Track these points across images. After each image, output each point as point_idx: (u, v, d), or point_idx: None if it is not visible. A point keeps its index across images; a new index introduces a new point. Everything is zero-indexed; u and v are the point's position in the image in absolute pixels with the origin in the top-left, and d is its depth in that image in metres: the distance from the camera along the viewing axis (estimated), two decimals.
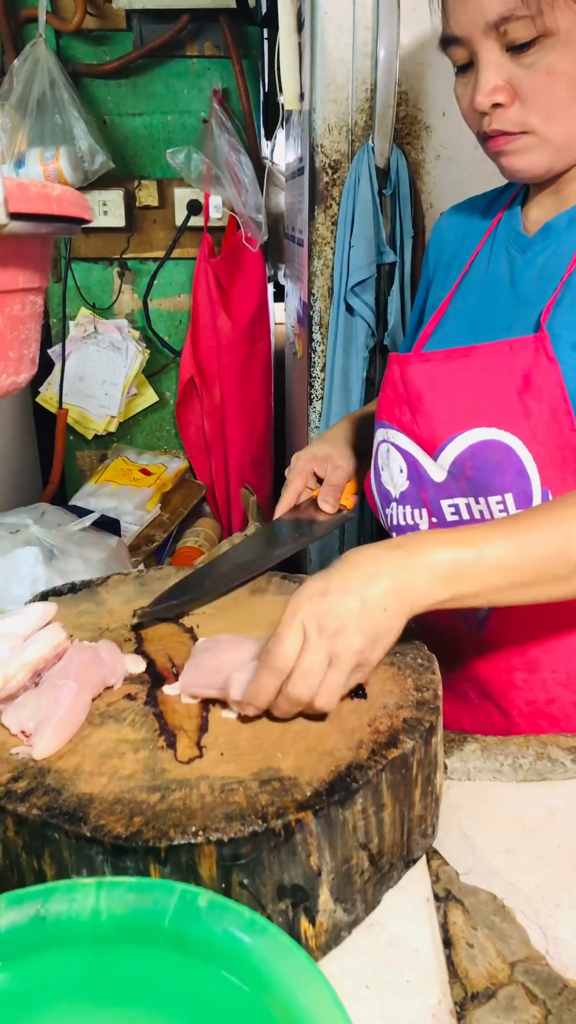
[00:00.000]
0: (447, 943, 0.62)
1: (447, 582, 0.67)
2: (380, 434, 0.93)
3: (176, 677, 0.73)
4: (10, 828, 0.57)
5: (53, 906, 0.51)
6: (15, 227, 0.36)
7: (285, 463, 2.93)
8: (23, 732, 0.64)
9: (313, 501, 1.05)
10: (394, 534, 0.92)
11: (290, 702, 0.64)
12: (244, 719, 0.67)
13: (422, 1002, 0.57)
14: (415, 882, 0.67)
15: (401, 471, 0.89)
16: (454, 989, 0.58)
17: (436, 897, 0.66)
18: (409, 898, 0.65)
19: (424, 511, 0.88)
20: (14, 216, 0.35)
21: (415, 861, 0.68)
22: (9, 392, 0.41)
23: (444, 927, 0.63)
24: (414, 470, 0.88)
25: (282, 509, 1.04)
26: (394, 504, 0.91)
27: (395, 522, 0.92)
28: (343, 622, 0.64)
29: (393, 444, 0.90)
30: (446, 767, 0.77)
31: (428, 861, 0.69)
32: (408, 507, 0.90)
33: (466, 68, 0.81)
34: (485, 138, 0.82)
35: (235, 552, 0.96)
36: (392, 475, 0.91)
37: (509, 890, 0.66)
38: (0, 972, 0.49)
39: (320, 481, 1.07)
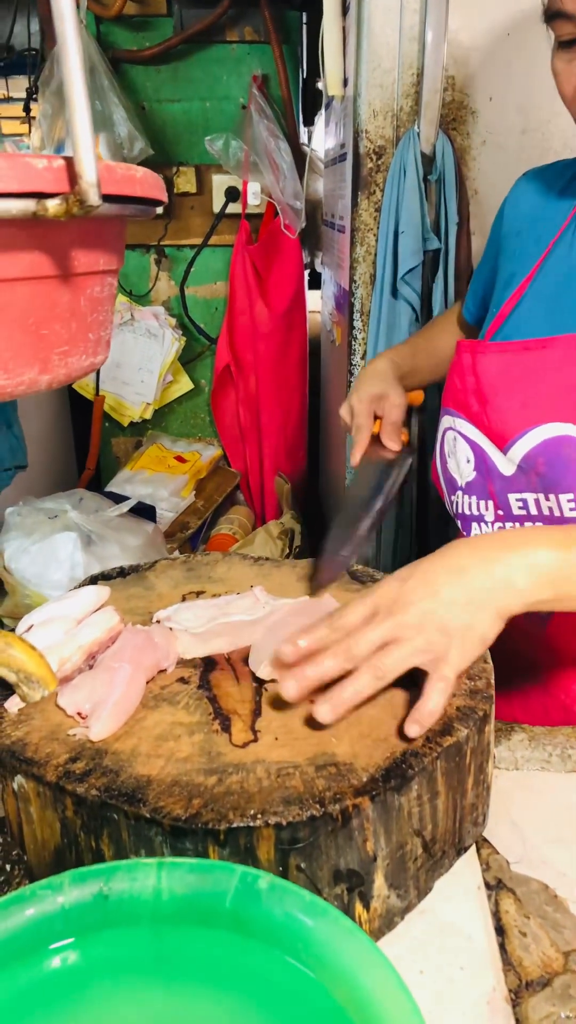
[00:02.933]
0: (499, 931, 0.62)
1: (552, 582, 0.64)
2: (446, 421, 0.92)
3: (228, 662, 0.73)
4: (69, 808, 0.58)
5: (115, 884, 0.51)
6: (104, 209, 0.36)
7: (319, 452, 2.92)
8: (79, 714, 0.65)
9: (376, 439, 1.04)
10: (458, 522, 0.92)
11: (334, 658, 0.63)
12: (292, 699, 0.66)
13: (477, 988, 0.57)
14: (466, 870, 0.67)
15: (468, 461, 0.88)
16: (508, 977, 0.58)
17: (487, 885, 0.66)
18: (460, 886, 0.65)
19: (490, 503, 0.87)
20: (104, 197, 0.35)
21: (466, 849, 0.68)
22: (87, 373, 0.42)
23: (496, 915, 0.63)
24: (482, 461, 0.86)
25: (360, 451, 1.02)
26: (459, 492, 0.90)
27: (460, 510, 0.91)
28: (413, 608, 0.63)
29: (460, 433, 0.89)
30: (494, 756, 0.77)
31: (478, 850, 0.69)
32: (474, 497, 0.89)
33: (570, 44, 0.76)
34: None
35: (351, 499, 0.95)
36: (459, 464, 0.90)
37: (560, 880, 0.66)
38: (67, 948, 0.50)
39: (377, 418, 1.06)
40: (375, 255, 1.60)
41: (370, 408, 1.05)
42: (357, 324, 1.67)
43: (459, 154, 1.54)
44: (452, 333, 1.18)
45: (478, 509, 0.88)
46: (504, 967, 0.59)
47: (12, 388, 0.36)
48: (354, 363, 1.72)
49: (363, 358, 1.69)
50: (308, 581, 0.82)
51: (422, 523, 1.76)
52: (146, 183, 0.40)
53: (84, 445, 2.69)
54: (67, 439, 2.76)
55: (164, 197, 0.44)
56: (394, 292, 1.56)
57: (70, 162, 0.33)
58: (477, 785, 0.67)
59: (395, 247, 1.53)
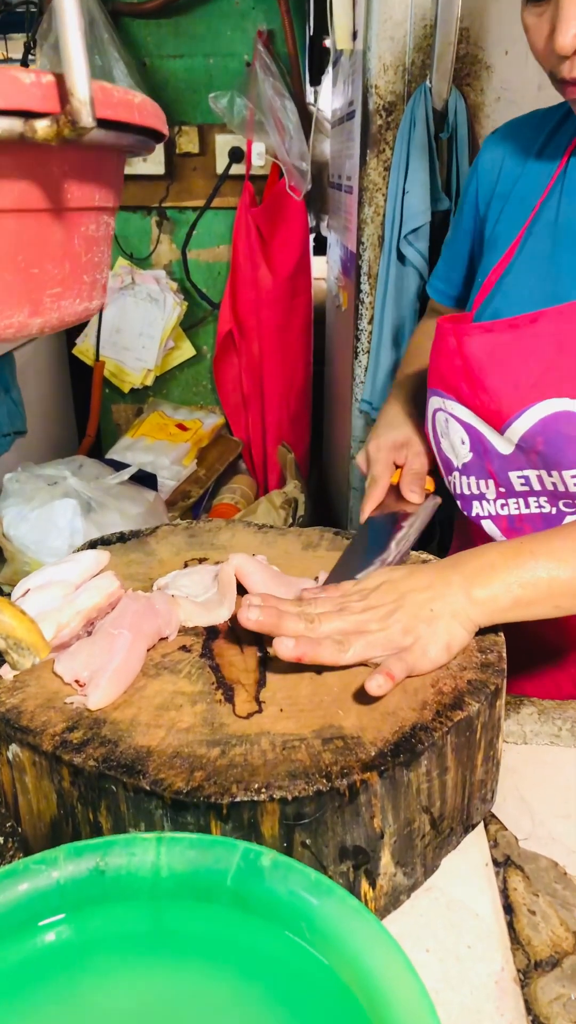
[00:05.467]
0: (508, 909, 0.60)
1: (504, 613, 0.67)
2: (435, 402, 0.87)
3: (232, 630, 0.71)
4: (65, 778, 0.56)
5: (112, 860, 0.49)
6: (98, 135, 0.33)
7: (323, 421, 2.89)
8: (77, 681, 0.62)
9: (394, 490, 0.93)
10: (459, 503, 0.89)
11: (296, 622, 0.64)
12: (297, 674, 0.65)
13: (484, 968, 0.56)
14: (473, 847, 0.65)
15: (463, 442, 0.84)
16: (517, 956, 0.56)
17: (495, 862, 0.64)
18: (468, 863, 0.64)
19: (491, 481, 0.84)
20: (99, 122, 0.32)
21: (474, 826, 0.66)
22: (82, 318, 0.39)
23: (504, 893, 0.61)
24: (478, 442, 0.83)
25: (371, 507, 0.91)
26: (456, 473, 0.87)
27: (459, 490, 0.87)
28: (380, 606, 0.66)
29: (451, 415, 0.84)
30: (503, 731, 0.75)
31: (486, 826, 0.67)
32: (473, 477, 0.85)
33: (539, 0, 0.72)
34: (563, 83, 0.75)
35: (342, 568, 0.82)
36: (453, 445, 0.85)
37: (570, 857, 0.64)
38: (60, 924, 0.48)
39: (397, 467, 0.96)
40: (383, 216, 1.55)
41: (389, 457, 0.94)
42: (364, 288, 1.63)
43: (472, 111, 1.49)
44: None
45: (478, 488, 0.85)
46: (512, 946, 0.57)
47: (0, 331, 0.34)
48: (360, 328, 1.68)
49: (370, 323, 1.65)
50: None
51: None
52: (145, 110, 0.37)
53: (84, 411, 2.66)
54: (67, 405, 2.72)
55: (165, 129, 0.41)
56: (401, 255, 1.51)
57: (61, 79, 0.30)
58: (487, 761, 0.64)
59: (403, 207, 1.48)
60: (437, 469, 0.94)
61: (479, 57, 1.48)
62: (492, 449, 0.82)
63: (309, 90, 2.55)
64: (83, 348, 2.60)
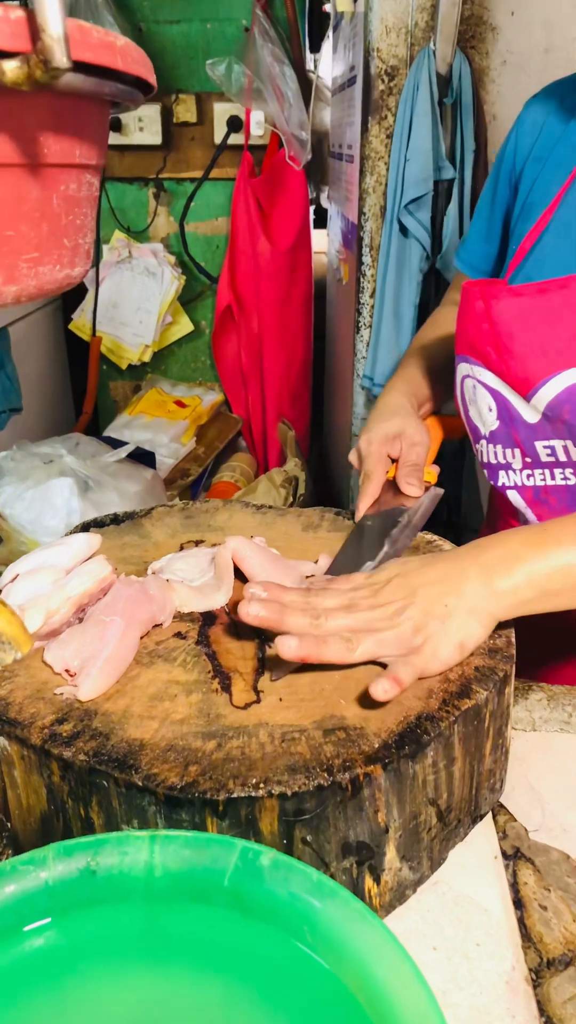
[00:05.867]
0: (518, 905, 0.58)
1: (527, 605, 0.63)
2: (463, 368, 0.84)
3: (229, 616, 0.68)
4: (55, 772, 0.54)
5: (104, 859, 0.47)
6: (76, 81, 0.30)
7: (323, 398, 2.85)
8: (67, 671, 0.60)
9: (392, 485, 0.87)
10: (485, 472, 0.86)
11: (303, 617, 0.61)
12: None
13: (495, 967, 0.53)
14: (482, 839, 0.63)
15: (490, 410, 0.81)
16: (528, 954, 0.54)
17: (504, 855, 0.62)
18: (476, 855, 0.61)
19: (517, 451, 0.81)
20: (76, 65, 0.28)
21: (482, 817, 0.64)
22: (63, 287, 0.36)
23: (514, 887, 0.59)
24: (504, 410, 0.80)
25: (366, 505, 0.85)
26: (483, 442, 0.84)
27: (486, 459, 0.85)
28: (390, 603, 0.62)
29: (479, 381, 0.82)
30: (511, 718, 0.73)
31: (495, 817, 0.65)
32: (499, 446, 0.82)
33: None
34: None
35: (337, 569, 0.76)
36: (480, 412, 0.83)
37: None
38: (49, 927, 0.46)
39: (393, 461, 0.91)
40: (386, 185, 1.51)
41: (382, 451, 0.89)
42: (366, 260, 1.59)
43: (477, 75, 1.44)
44: None
45: (504, 457, 0.82)
46: (523, 944, 0.55)
47: None
48: (362, 301, 1.64)
49: (372, 296, 1.61)
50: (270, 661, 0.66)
51: None
52: (129, 55, 0.34)
53: (81, 388, 2.62)
54: (63, 381, 2.69)
55: (152, 78, 0.38)
56: (403, 226, 1.47)
57: (32, 15, 0.27)
58: (496, 750, 0.62)
59: (404, 176, 1.44)
60: (437, 459, 0.90)
61: (484, 18, 1.42)
62: (518, 417, 0.79)
63: (309, 57, 2.49)
64: (79, 323, 2.55)
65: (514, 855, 0.61)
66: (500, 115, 1.48)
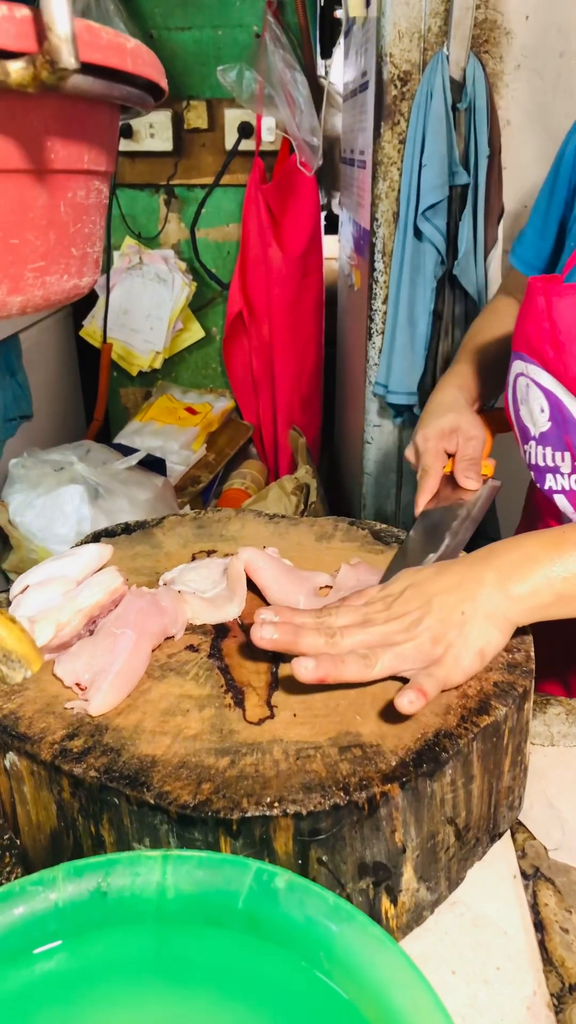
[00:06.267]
0: (539, 927, 0.56)
1: (545, 610, 0.62)
2: (518, 366, 0.83)
3: (242, 629, 0.67)
4: (65, 789, 0.53)
5: (115, 880, 0.46)
6: (84, 83, 0.29)
7: (335, 405, 2.83)
8: (78, 685, 0.59)
9: (450, 480, 0.89)
10: (532, 474, 0.85)
11: (316, 636, 0.59)
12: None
13: (515, 991, 0.52)
14: (500, 858, 0.61)
15: (542, 411, 0.80)
16: (550, 979, 0.53)
17: (523, 875, 0.60)
18: (495, 875, 0.60)
19: (567, 455, 0.79)
20: (84, 67, 0.27)
21: (501, 835, 0.62)
22: (71, 297, 0.35)
23: (535, 909, 0.57)
24: (557, 411, 0.79)
25: (425, 500, 0.87)
26: (533, 443, 0.83)
27: (533, 461, 0.83)
28: (406, 615, 0.61)
29: (533, 380, 0.80)
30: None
31: (513, 835, 0.63)
32: (549, 448, 0.81)
33: None
34: None
35: (398, 564, 0.77)
36: (532, 412, 0.82)
37: None
38: (59, 950, 0.45)
39: (450, 456, 0.91)
40: (398, 191, 1.50)
41: (439, 446, 0.90)
42: (379, 266, 1.58)
43: (491, 80, 1.43)
44: (511, 325, 1.01)
45: (554, 460, 0.81)
46: (545, 968, 0.53)
47: None
48: (374, 308, 1.63)
49: (384, 303, 1.59)
50: None
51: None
52: (139, 57, 0.33)
53: (91, 395, 2.62)
54: (74, 388, 2.68)
55: (163, 81, 0.37)
56: (418, 231, 1.46)
57: (38, 14, 0.26)
58: (514, 767, 0.61)
59: (420, 181, 1.43)
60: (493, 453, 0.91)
61: (498, 23, 1.41)
62: (572, 419, 0.78)
63: (320, 63, 2.48)
64: (90, 330, 2.55)
65: (534, 875, 0.60)
66: (514, 120, 1.47)
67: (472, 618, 0.59)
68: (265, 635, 0.58)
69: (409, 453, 0.94)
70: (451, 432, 0.91)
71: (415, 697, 0.54)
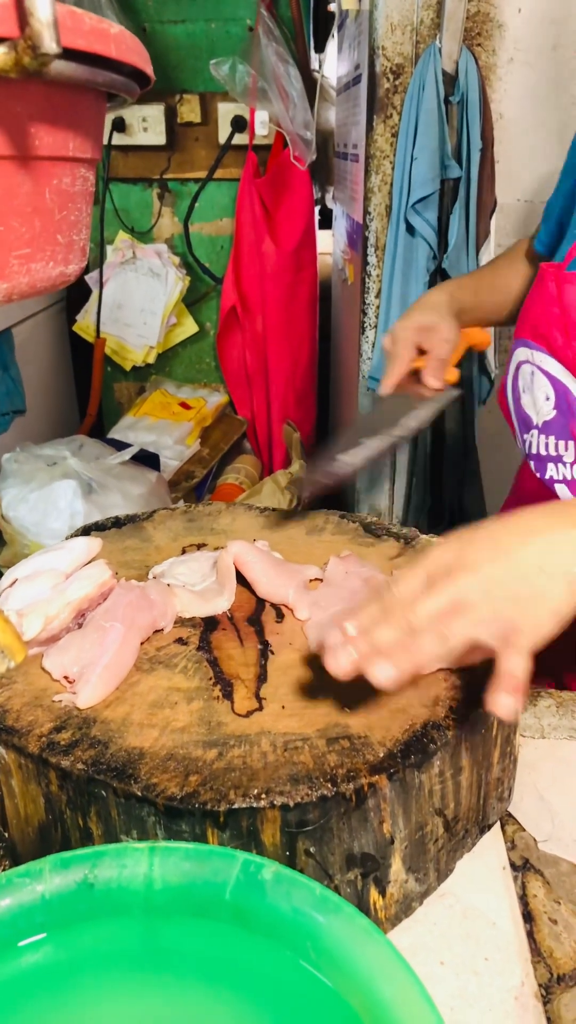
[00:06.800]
0: (527, 918, 0.56)
1: None
2: (522, 354, 0.83)
3: (231, 622, 0.67)
4: (53, 782, 0.53)
5: (102, 872, 0.46)
6: (68, 69, 0.29)
7: (329, 399, 2.83)
8: (66, 678, 0.59)
9: (415, 375, 0.91)
10: (532, 463, 0.84)
11: (390, 627, 0.51)
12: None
13: (503, 982, 0.52)
14: (489, 849, 0.61)
15: (547, 399, 0.80)
16: (538, 970, 0.53)
17: (512, 866, 0.60)
18: (484, 866, 0.60)
19: (571, 443, 0.79)
20: (67, 53, 0.27)
21: (490, 826, 0.62)
22: (57, 285, 0.35)
23: (523, 900, 0.58)
24: (563, 399, 0.78)
25: (390, 384, 0.89)
26: (535, 432, 0.82)
27: (534, 451, 0.83)
28: (477, 572, 0.51)
29: (539, 367, 0.80)
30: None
31: (503, 826, 0.63)
32: (552, 437, 0.80)
33: None
34: None
35: (359, 427, 0.82)
36: (535, 400, 0.82)
37: None
38: (45, 942, 0.45)
39: (421, 353, 0.93)
40: (391, 184, 1.49)
41: (414, 338, 0.92)
42: (371, 260, 1.57)
43: (483, 73, 1.42)
44: (520, 269, 1.04)
45: (557, 450, 0.80)
46: (533, 958, 0.53)
47: None
48: (367, 302, 1.63)
49: (377, 296, 1.59)
50: (292, 485, 0.74)
51: (436, 474, 1.68)
52: (123, 43, 0.32)
53: (85, 390, 2.61)
54: (67, 383, 2.68)
55: (149, 69, 0.36)
56: (410, 225, 1.45)
57: (20, 1, 0.26)
58: (504, 758, 0.61)
59: (410, 174, 1.42)
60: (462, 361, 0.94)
61: (491, 15, 1.41)
62: None
63: (313, 57, 2.48)
64: (83, 325, 2.54)
65: (523, 866, 0.60)
66: (507, 113, 1.46)
67: (553, 574, 0.51)
68: (343, 663, 0.51)
69: (386, 341, 0.95)
70: (428, 329, 0.92)
71: (513, 700, 0.48)
